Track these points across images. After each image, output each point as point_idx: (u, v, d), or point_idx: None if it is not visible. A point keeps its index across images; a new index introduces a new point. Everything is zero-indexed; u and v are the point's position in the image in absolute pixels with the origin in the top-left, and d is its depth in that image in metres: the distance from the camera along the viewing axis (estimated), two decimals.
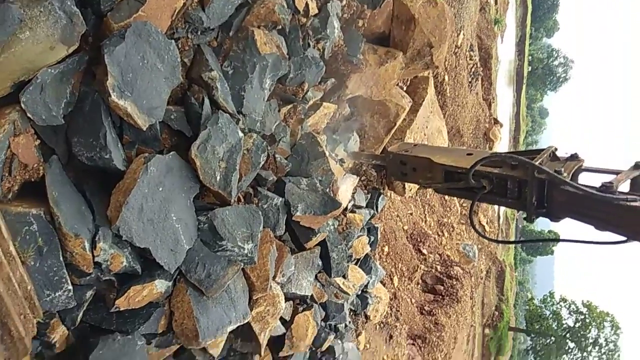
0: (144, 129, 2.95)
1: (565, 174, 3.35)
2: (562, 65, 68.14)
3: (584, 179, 3.65)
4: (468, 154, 4.26)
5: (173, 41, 3.10)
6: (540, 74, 66.61)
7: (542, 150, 3.77)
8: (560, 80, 68.39)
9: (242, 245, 3.55)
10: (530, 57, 59.45)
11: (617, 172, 3.38)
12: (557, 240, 5.39)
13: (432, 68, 6.59)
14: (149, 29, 2.86)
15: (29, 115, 2.49)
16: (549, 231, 66.27)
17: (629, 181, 3.31)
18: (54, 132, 2.73)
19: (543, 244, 64.60)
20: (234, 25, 3.88)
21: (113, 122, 2.92)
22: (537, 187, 3.51)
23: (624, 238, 3.16)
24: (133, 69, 2.79)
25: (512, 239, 38.46)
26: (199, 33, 3.59)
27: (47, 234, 2.60)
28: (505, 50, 35.78)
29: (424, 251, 12.34)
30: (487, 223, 21.87)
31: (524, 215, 3.74)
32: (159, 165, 3.03)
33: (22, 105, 2.45)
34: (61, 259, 2.67)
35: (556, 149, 3.81)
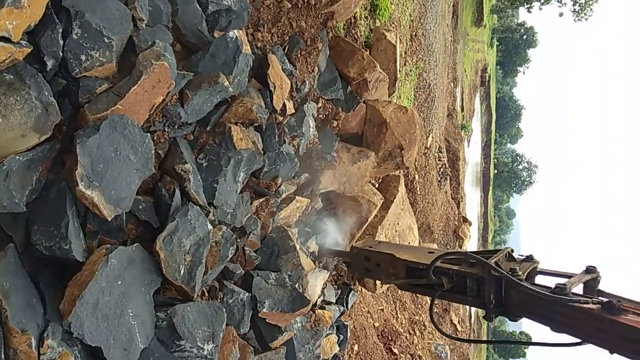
0: (109, 219, 2.88)
1: (520, 274, 3.43)
2: (527, 169, 71.76)
3: (541, 281, 3.75)
4: (429, 252, 4.40)
5: (149, 134, 3.14)
6: (505, 177, 69.73)
7: (499, 250, 3.90)
8: (525, 183, 71.59)
9: (202, 346, 3.35)
10: (495, 161, 62.54)
11: (570, 276, 3.50)
12: (513, 342, 5.28)
13: (403, 168, 6.83)
14: (125, 122, 2.91)
15: None
16: (521, 332, 65.37)
17: (581, 285, 3.40)
18: (14, 219, 2.64)
19: (514, 345, 63.35)
20: (211, 121, 3.99)
21: (77, 212, 2.85)
22: (494, 286, 3.60)
23: (579, 340, 3.19)
24: (105, 159, 2.79)
25: (484, 339, 37.66)
26: (176, 127, 3.66)
27: None
28: (471, 154, 37.63)
29: (395, 351, 11.88)
30: (458, 322, 21.45)
31: (484, 314, 3.76)
32: (121, 257, 2.93)
33: None
34: (2, 356, 2.46)
35: (512, 250, 3.97)
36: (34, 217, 2.72)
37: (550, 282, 3.47)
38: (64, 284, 2.78)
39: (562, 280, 3.33)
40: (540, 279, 3.78)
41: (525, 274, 3.55)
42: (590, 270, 3.43)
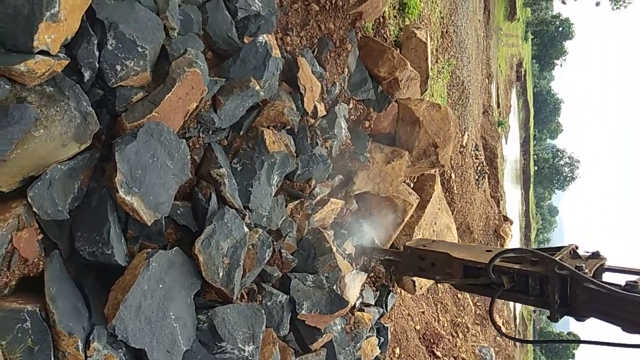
0: (149, 224, 2.95)
1: (587, 271, 3.25)
2: (568, 165, 69.43)
3: (608, 279, 3.54)
4: (487, 250, 4.21)
5: (184, 140, 3.20)
6: (546, 174, 67.65)
7: (563, 247, 3.71)
8: (568, 179, 69.24)
9: (243, 347, 3.38)
10: (535, 157, 60.76)
11: None
12: (579, 341, 5.04)
13: (438, 166, 6.71)
14: (161, 129, 2.97)
15: (34, 209, 2.52)
16: (569, 333, 63.06)
17: None
18: (58, 227, 2.74)
19: (563, 346, 61.14)
20: (244, 125, 4.04)
21: (118, 218, 2.93)
22: (559, 284, 3.41)
23: None
24: (142, 166, 2.86)
25: (530, 339, 36.52)
26: (210, 132, 3.72)
27: (40, 332, 2.51)
28: (510, 151, 36.66)
29: (438, 354, 11.66)
30: (502, 324, 20.90)
31: (548, 314, 3.58)
32: (161, 261, 2.99)
33: (29, 200, 2.48)
34: (52, 358, 2.54)
35: (577, 247, 3.75)
36: (77, 224, 2.81)
37: (620, 280, 3.26)
38: (107, 288, 2.86)
39: (634, 278, 3.14)
40: (608, 278, 3.57)
41: (592, 272, 3.37)
42: None
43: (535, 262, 3.62)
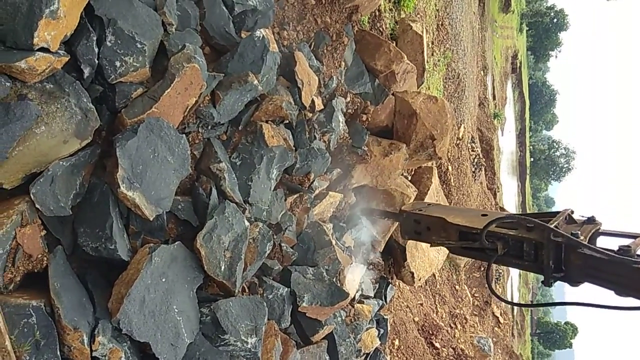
0: (151, 219, 2.97)
1: (582, 237, 3.25)
2: (564, 155, 69.65)
3: (602, 243, 3.53)
4: (483, 215, 4.17)
5: (184, 135, 3.22)
6: (542, 165, 67.83)
7: (559, 212, 3.68)
8: (564, 170, 69.49)
9: (246, 339, 3.41)
10: (531, 148, 60.89)
11: (635, 236, 3.27)
12: (574, 304, 4.93)
13: (435, 159, 6.74)
14: (161, 125, 2.99)
15: (37, 206, 2.54)
16: (566, 323, 63.56)
17: None
18: (61, 223, 2.76)
19: (560, 336, 61.63)
20: (243, 120, 4.05)
21: (120, 213, 2.96)
22: (553, 250, 3.39)
23: None
24: (143, 161, 2.88)
25: (528, 330, 36.84)
26: (209, 127, 3.74)
27: (46, 326, 2.53)
28: (506, 142, 36.71)
29: (437, 345, 11.76)
30: (500, 314, 21.06)
31: (542, 279, 3.59)
32: (164, 255, 3.01)
33: (32, 197, 2.50)
34: (58, 353, 2.57)
35: (572, 212, 3.72)
36: (79, 219, 2.83)
37: (615, 244, 3.27)
38: (111, 283, 2.89)
39: (627, 242, 3.15)
40: (603, 242, 3.56)
41: (588, 237, 3.35)
42: None
43: (530, 228, 3.60)
